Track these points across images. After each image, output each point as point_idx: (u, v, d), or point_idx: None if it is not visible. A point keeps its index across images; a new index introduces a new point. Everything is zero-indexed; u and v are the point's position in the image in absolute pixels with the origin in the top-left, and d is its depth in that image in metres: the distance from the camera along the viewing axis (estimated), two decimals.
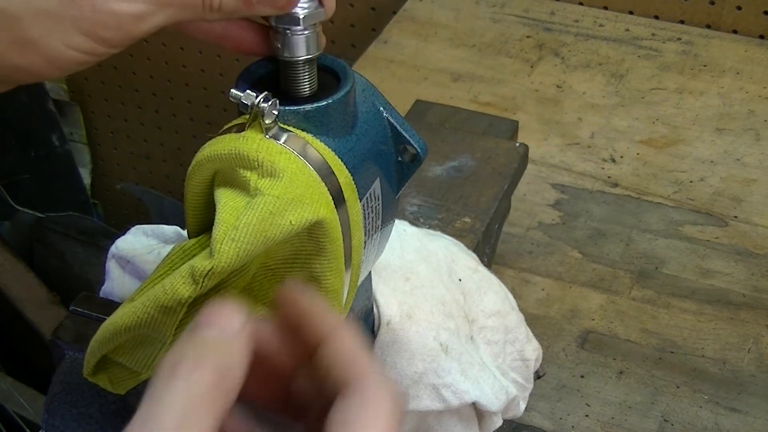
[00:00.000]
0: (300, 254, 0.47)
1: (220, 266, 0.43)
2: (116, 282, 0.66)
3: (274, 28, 0.47)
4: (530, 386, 0.71)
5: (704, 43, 1.24)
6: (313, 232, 0.46)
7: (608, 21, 1.29)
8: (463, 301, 0.67)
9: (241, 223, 0.43)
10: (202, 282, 0.43)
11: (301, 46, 0.47)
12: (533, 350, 0.70)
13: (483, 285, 0.69)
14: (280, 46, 0.47)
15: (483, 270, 0.71)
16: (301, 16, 0.47)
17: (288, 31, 0.47)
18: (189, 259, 0.46)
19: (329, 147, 0.47)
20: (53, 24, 0.41)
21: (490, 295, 0.68)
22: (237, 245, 0.43)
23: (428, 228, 0.79)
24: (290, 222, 0.44)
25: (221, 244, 0.43)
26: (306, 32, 0.47)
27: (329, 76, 0.49)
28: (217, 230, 0.43)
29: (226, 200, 0.45)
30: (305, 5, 0.47)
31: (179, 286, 0.43)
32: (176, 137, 1.86)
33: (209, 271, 0.43)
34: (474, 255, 0.74)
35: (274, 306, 0.49)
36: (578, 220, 1.00)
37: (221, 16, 0.44)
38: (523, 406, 0.70)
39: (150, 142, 1.90)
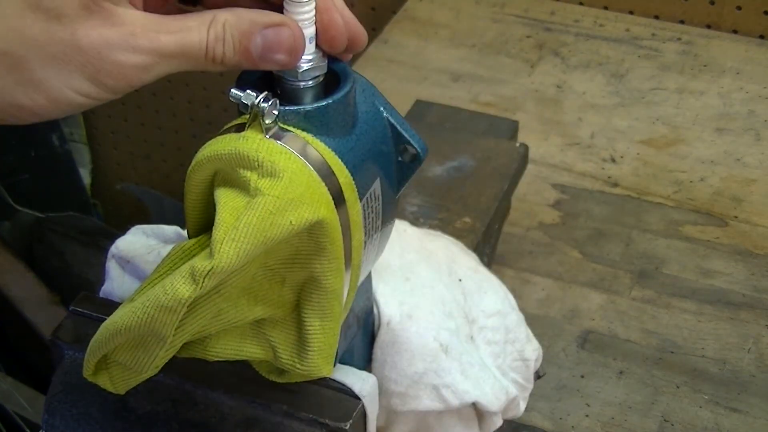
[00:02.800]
0: (300, 254, 0.47)
1: (221, 266, 0.43)
2: (116, 282, 0.66)
3: (276, 75, 0.47)
4: (530, 386, 0.71)
5: (704, 43, 1.24)
6: (313, 232, 0.46)
7: (608, 21, 1.29)
8: (463, 301, 0.67)
9: (241, 223, 0.43)
10: (203, 282, 0.43)
11: (301, 96, 0.47)
12: (533, 350, 0.70)
13: (483, 285, 0.69)
14: (280, 92, 0.47)
15: (483, 270, 0.71)
16: (302, 69, 0.46)
17: (288, 83, 0.47)
18: (189, 259, 0.46)
19: (329, 147, 0.47)
20: (59, 68, 0.42)
21: (491, 295, 0.68)
22: (237, 245, 0.43)
23: (428, 228, 0.79)
24: (290, 222, 0.44)
25: (221, 244, 0.43)
26: (309, 83, 0.47)
27: (329, 76, 0.49)
28: (218, 230, 0.43)
29: (226, 200, 0.45)
30: (309, 57, 0.46)
31: (179, 286, 0.43)
32: (176, 137, 1.86)
33: (209, 271, 0.43)
34: (474, 255, 0.74)
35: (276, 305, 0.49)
36: (578, 220, 1.00)
37: (223, 69, 0.45)
38: (523, 406, 0.69)
39: (150, 142, 1.90)
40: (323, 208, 0.45)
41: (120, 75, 0.43)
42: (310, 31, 0.46)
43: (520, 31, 1.28)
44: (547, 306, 0.91)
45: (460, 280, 0.68)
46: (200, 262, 0.43)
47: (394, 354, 0.61)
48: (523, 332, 0.70)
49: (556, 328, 0.88)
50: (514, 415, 0.69)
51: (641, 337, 0.87)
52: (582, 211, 1.01)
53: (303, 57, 0.46)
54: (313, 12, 0.45)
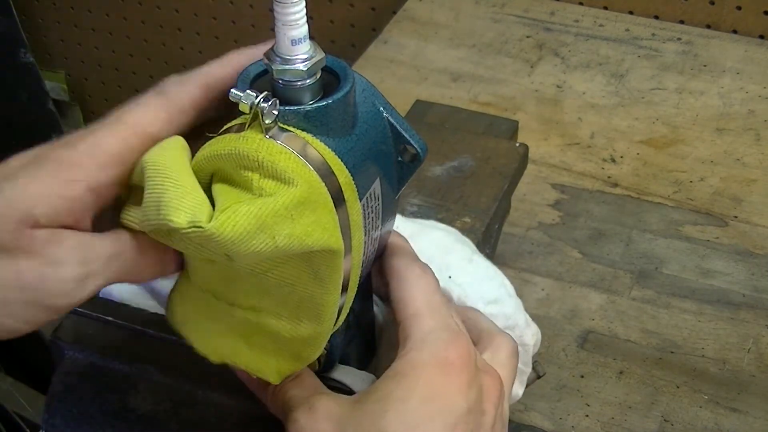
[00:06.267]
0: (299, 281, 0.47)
1: (212, 232, 0.42)
2: None
3: (275, 76, 0.47)
4: (528, 369, 0.71)
5: (704, 43, 1.24)
6: (316, 259, 0.46)
7: (608, 21, 1.29)
8: (462, 294, 0.67)
9: (242, 206, 0.43)
10: (190, 232, 0.42)
11: (301, 96, 0.47)
12: (532, 335, 0.70)
13: (478, 274, 0.69)
14: (280, 92, 0.47)
15: (478, 258, 0.71)
16: (301, 69, 0.46)
17: (287, 84, 0.47)
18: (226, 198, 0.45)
19: (329, 147, 0.47)
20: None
21: (486, 284, 0.69)
22: (236, 219, 0.42)
23: None
24: (291, 215, 0.44)
25: (221, 213, 0.42)
26: (307, 81, 0.47)
27: (329, 76, 0.49)
28: (221, 202, 0.43)
29: (228, 190, 0.44)
30: (305, 56, 0.46)
31: (180, 212, 0.42)
32: None
33: (202, 229, 0.42)
34: (469, 242, 0.74)
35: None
36: (578, 220, 1.00)
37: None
38: (521, 390, 0.69)
39: None
40: (331, 236, 0.45)
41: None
42: (302, 30, 0.45)
43: (520, 31, 1.28)
44: (547, 306, 0.91)
45: (450, 277, 0.68)
46: (206, 217, 0.42)
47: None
48: (521, 317, 0.70)
49: (556, 328, 0.88)
50: (513, 397, 0.69)
51: (641, 337, 0.87)
52: (582, 211, 1.01)
53: (300, 56, 0.46)
54: (303, 11, 0.45)
